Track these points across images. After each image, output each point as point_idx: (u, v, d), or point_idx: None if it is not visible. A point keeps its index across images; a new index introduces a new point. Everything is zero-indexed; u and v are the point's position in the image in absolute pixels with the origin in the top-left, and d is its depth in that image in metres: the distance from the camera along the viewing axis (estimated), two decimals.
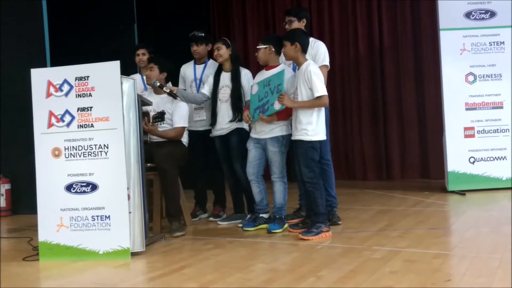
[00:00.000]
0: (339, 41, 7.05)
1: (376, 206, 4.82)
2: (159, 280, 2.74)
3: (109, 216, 3.23)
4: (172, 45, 5.71)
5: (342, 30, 7.05)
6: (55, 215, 3.29)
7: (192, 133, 4.44)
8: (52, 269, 3.09)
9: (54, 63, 5.09)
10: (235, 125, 4.15)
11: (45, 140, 3.32)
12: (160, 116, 3.98)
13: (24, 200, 5.22)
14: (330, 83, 6.87)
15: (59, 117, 3.31)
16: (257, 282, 2.59)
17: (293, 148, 3.73)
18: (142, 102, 3.61)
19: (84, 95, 3.30)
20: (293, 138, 3.69)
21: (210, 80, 4.27)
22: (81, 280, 2.85)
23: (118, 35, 6.77)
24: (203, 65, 4.53)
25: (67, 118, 3.31)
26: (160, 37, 6.43)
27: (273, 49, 3.89)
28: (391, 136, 6.81)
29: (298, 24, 4.06)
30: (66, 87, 3.32)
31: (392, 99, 6.79)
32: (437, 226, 3.79)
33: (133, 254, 3.22)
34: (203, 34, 4.49)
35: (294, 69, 3.96)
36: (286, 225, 3.86)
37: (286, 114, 3.76)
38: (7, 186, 5.41)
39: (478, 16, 5.37)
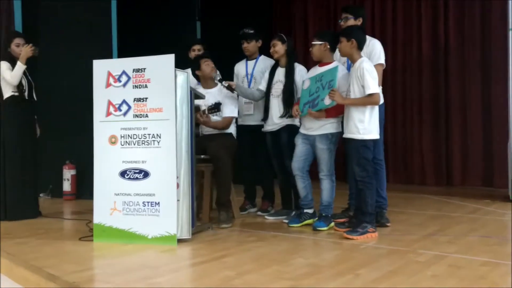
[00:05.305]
0: (402, 40, 6.86)
1: (430, 211, 4.66)
2: (199, 266, 2.83)
3: (158, 203, 3.37)
4: (232, 43, 5.81)
5: (405, 29, 6.85)
6: (110, 199, 3.46)
7: (242, 128, 4.52)
8: (103, 249, 3.27)
9: (120, 56, 5.36)
10: (286, 122, 4.17)
11: (103, 127, 3.51)
12: (216, 107, 4.08)
13: (86, 185, 5.52)
14: (391, 84, 6.74)
15: (116, 106, 3.49)
16: (293, 275, 2.61)
17: (346, 147, 3.70)
18: (195, 95, 3.73)
19: (140, 86, 3.45)
20: (344, 136, 3.65)
21: (266, 76, 4.32)
22: (128, 261, 3.00)
23: (180, 31, 7.00)
24: (254, 60, 4.61)
25: (124, 107, 3.47)
26: (222, 35, 6.57)
27: (328, 46, 3.85)
28: (453, 140, 6.52)
29: (353, 22, 4.00)
30: (124, 78, 3.49)
31: (456, 102, 6.50)
32: (491, 235, 3.62)
33: (180, 240, 3.33)
34: (253, 31, 4.57)
35: (348, 68, 3.91)
36: (332, 224, 3.84)
37: (335, 112, 3.73)
38: (72, 172, 5.76)
39: None
